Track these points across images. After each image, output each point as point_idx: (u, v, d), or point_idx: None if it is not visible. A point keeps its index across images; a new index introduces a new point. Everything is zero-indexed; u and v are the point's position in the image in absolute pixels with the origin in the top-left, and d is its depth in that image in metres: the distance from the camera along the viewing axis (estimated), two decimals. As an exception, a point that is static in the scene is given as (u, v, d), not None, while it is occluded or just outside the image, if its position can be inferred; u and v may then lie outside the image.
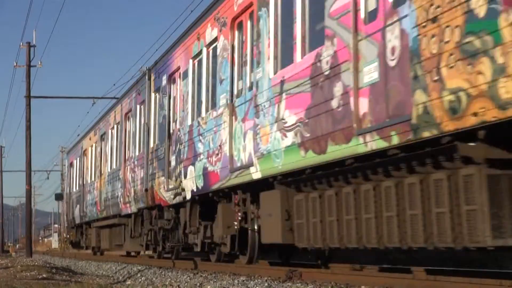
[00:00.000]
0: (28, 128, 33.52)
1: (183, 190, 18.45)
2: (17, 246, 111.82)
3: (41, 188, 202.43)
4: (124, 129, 25.95)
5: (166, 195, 20.06)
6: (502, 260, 14.15)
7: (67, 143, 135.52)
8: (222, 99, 15.87)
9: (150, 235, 23.51)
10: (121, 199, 25.70)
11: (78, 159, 37.38)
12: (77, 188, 37.16)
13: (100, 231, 32.07)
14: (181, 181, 18.61)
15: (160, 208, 21.72)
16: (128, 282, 15.44)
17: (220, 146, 15.83)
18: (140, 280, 16.17)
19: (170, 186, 19.58)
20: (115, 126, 27.72)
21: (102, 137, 30.42)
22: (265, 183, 14.18)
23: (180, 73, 19.25)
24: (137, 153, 23.79)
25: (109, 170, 28.45)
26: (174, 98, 19.98)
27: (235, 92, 15.41)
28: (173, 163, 19.52)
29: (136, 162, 23.70)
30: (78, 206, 36.32)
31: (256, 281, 12.57)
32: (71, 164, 40.45)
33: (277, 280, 12.61)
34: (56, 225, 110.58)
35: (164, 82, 20.76)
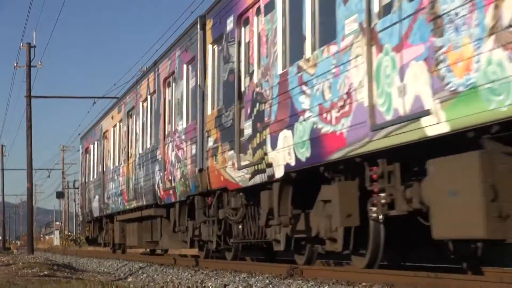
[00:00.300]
0: (29, 127, 32.91)
1: (269, 165, 12.94)
2: (18, 243, 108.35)
3: (42, 186, 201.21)
4: (162, 98, 20.37)
5: (236, 175, 14.55)
6: (503, 256, 12.86)
7: (68, 142, 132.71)
8: (349, 25, 10.31)
9: (201, 229, 18.06)
10: (160, 185, 20.15)
11: (96, 143, 31.63)
12: (96, 176, 31.40)
13: (125, 226, 26.46)
14: (265, 154, 13.09)
15: (221, 194, 16.22)
16: (129, 279, 15.30)
17: (348, 93, 10.29)
18: (141, 277, 15.80)
19: (244, 163, 14.07)
20: (149, 97, 22.12)
21: (130, 113, 24.79)
22: (429, 146, 8.79)
23: (259, 7, 13.69)
24: (184, 126, 18.24)
25: (140, 151, 22.87)
26: (248, 44, 14.41)
27: (376, 9, 9.87)
28: (248, 131, 14.00)
29: (183, 137, 18.15)
30: (97, 196, 30.60)
31: (257, 278, 12.11)
32: (86, 150, 34.61)
33: (278, 277, 12.01)
34: (57, 223, 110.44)
35: (230, 26, 15.18)
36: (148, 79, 22.03)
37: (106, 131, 29.00)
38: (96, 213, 30.90)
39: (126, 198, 24.54)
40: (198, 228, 18.35)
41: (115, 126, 27.37)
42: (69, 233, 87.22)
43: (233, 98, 14.74)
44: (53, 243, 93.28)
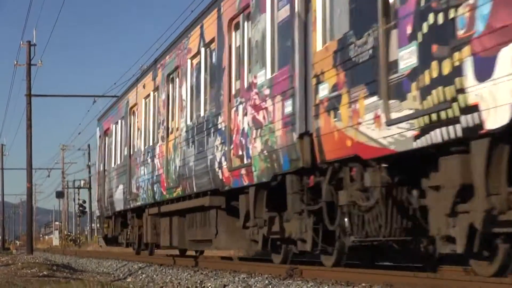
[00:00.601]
0: (29, 126, 32.76)
1: (468, 110, 7.57)
2: (18, 243, 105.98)
3: (42, 186, 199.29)
4: (227, 46, 14.95)
5: (382, 135, 9.17)
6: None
7: (67, 141, 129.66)
8: None
9: (286, 222, 12.81)
10: (223, 164, 14.78)
11: (120, 121, 25.98)
12: (120, 162, 25.64)
13: (159, 221, 21.06)
14: (458, 92, 7.72)
15: (336, 169, 10.86)
16: (129, 279, 15.21)
17: None
18: (140, 277, 15.56)
19: (402, 113, 8.71)
20: (203, 51, 16.69)
21: (171, 77, 19.37)
22: None
23: None
24: (268, 76, 12.85)
25: (188, 122, 17.45)
26: None
27: None
28: (407, 61, 8.64)
29: (267, 92, 12.74)
30: (120, 186, 25.02)
31: (256, 278, 11.92)
32: (105, 132, 28.82)
33: (278, 277, 11.77)
34: (56, 223, 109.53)
35: None
36: (202, 26, 16.64)
37: (135, 104, 23.50)
38: (119, 207, 25.30)
39: (165, 185, 19.12)
40: (282, 222, 13.10)
41: (147, 97, 21.91)
42: (69, 233, 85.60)
43: (373, 17, 9.38)
44: (52, 243, 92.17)
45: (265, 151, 12.73)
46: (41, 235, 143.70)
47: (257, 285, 11.16)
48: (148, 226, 21.69)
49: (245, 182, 13.72)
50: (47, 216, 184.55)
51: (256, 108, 13.19)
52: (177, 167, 17.98)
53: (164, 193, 19.15)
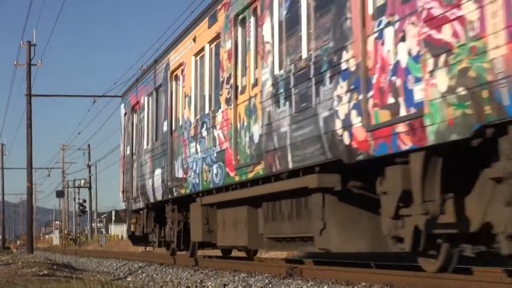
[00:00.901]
0: (29, 126, 32.91)
1: None
2: (18, 243, 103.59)
3: (42, 185, 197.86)
4: None
5: None
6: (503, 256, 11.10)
7: (67, 141, 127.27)
8: None
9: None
10: (352, 121, 9.50)
11: (155, 92, 20.13)
12: (156, 141, 19.97)
13: (215, 213, 15.78)
14: None
15: None
16: (129, 278, 15.08)
17: None
18: (141, 276, 15.49)
19: None
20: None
21: (240, 18, 14.05)
22: None
23: None
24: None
25: (277, 71, 11.90)
26: None
27: None
28: None
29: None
30: (157, 171, 19.20)
31: (256, 277, 11.74)
32: (133, 109, 22.95)
33: (278, 276, 11.70)
34: (57, 222, 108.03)
35: None
36: None
37: (179, 66, 17.93)
38: (156, 197, 19.51)
39: (233, 163, 13.79)
40: (464, 209, 7.95)
41: (199, 52, 16.40)
42: (69, 233, 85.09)
43: None
44: (52, 243, 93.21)
45: (458, 90, 7.49)
46: (41, 235, 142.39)
47: (257, 284, 11.01)
48: (198, 220, 16.36)
49: (405, 146, 8.46)
50: (47, 215, 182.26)
51: (433, 23, 7.95)
52: (255, 137, 12.70)
53: (232, 174, 13.83)
